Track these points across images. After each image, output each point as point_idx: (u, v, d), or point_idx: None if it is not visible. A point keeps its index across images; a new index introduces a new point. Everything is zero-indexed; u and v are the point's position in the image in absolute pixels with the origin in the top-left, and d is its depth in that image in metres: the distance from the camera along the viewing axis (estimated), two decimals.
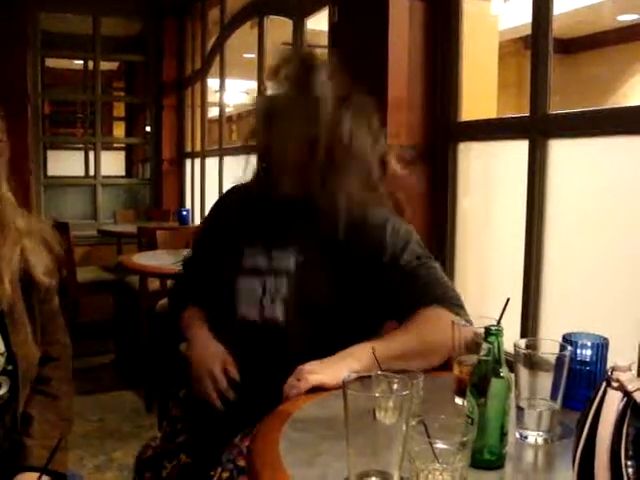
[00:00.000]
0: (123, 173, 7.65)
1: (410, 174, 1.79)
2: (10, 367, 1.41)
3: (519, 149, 2.10)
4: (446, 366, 1.42)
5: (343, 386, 0.99)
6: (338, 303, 1.55)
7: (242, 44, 5.00)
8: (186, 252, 1.92)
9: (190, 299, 1.79)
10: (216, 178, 5.13)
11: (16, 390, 1.42)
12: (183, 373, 1.68)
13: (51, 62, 6.74)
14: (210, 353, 1.60)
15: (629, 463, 0.87)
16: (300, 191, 1.59)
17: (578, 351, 1.28)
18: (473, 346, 1.23)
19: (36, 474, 1.34)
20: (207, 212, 1.92)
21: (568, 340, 1.27)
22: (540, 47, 2.03)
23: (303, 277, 1.58)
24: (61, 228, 4.68)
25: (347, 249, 1.57)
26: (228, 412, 1.56)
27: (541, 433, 1.15)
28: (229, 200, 1.84)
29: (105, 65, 6.63)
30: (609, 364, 1.22)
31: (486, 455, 1.04)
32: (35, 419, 1.45)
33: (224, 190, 1.88)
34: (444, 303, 1.50)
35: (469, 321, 1.41)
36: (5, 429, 1.43)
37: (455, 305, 1.51)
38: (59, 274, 1.55)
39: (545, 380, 1.16)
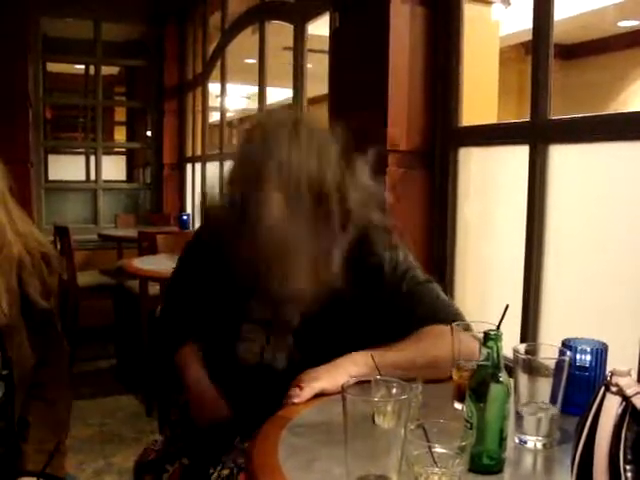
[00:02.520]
0: (124, 177, 7.66)
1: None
2: (5, 372, 1.40)
3: (520, 154, 2.10)
4: None
5: (342, 391, 0.99)
6: (343, 350, 1.54)
7: (243, 49, 5.01)
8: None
9: (184, 333, 1.73)
10: (217, 183, 5.13)
11: (12, 395, 1.42)
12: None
13: (52, 67, 6.75)
14: (209, 404, 1.59)
15: (628, 467, 0.87)
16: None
17: (577, 356, 1.28)
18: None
19: (33, 479, 1.34)
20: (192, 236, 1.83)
21: (567, 345, 1.27)
22: (541, 53, 2.03)
23: (308, 332, 1.56)
24: (62, 232, 4.69)
25: (350, 301, 1.54)
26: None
27: (540, 438, 1.15)
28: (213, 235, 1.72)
29: (106, 70, 6.65)
30: (608, 370, 1.22)
31: (485, 460, 1.04)
32: (32, 424, 1.45)
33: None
34: (447, 321, 1.49)
35: (470, 331, 1.41)
36: (1, 434, 1.43)
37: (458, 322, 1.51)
38: (59, 282, 1.56)
39: (544, 385, 1.16)
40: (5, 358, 1.40)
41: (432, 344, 1.44)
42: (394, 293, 1.54)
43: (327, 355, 1.50)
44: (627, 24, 6.69)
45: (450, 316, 1.51)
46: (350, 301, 1.54)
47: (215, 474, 1.43)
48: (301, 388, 1.32)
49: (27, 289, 1.41)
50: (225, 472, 1.42)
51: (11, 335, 1.40)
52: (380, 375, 1.15)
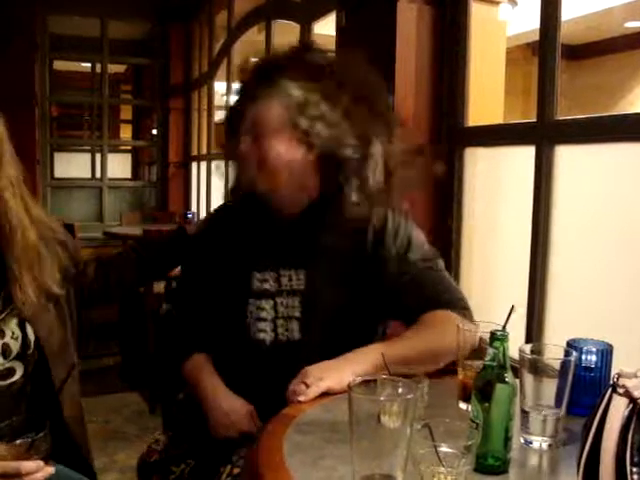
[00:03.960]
0: (129, 175, 7.68)
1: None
2: (30, 351, 1.42)
3: (526, 155, 2.10)
4: (451, 370, 1.42)
5: (348, 389, 0.99)
6: (350, 315, 1.55)
7: (249, 48, 5.01)
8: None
9: (192, 342, 1.71)
10: (222, 181, 5.14)
11: (44, 374, 1.45)
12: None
13: (59, 64, 6.76)
14: (234, 411, 1.55)
15: (634, 470, 0.87)
16: (297, 207, 1.59)
17: (583, 357, 1.28)
18: (479, 349, 1.24)
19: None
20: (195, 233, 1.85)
21: (572, 346, 1.27)
22: (548, 53, 2.02)
23: (315, 295, 1.57)
24: (67, 230, 4.69)
25: (351, 259, 1.57)
26: None
27: (546, 438, 1.15)
28: (221, 221, 1.78)
29: (113, 68, 6.66)
30: (613, 370, 1.22)
31: (490, 460, 1.04)
32: None
33: (228, 194, 1.84)
34: (451, 307, 1.50)
35: (473, 320, 1.42)
36: (26, 417, 1.45)
37: (462, 308, 1.52)
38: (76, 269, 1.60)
39: (550, 386, 1.16)
40: (25, 340, 1.41)
41: (437, 333, 1.45)
42: (398, 266, 1.55)
43: (335, 320, 1.52)
44: (634, 25, 6.68)
45: (454, 301, 1.52)
46: (353, 262, 1.56)
47: (225, 473, 1.42)
48: (307, 385, 1.32)
49: (43, 275, 1.44)
50: (236, 471, 1.42)
51: (39, 318, 1.44)
52: (389, 373, 1.15)
